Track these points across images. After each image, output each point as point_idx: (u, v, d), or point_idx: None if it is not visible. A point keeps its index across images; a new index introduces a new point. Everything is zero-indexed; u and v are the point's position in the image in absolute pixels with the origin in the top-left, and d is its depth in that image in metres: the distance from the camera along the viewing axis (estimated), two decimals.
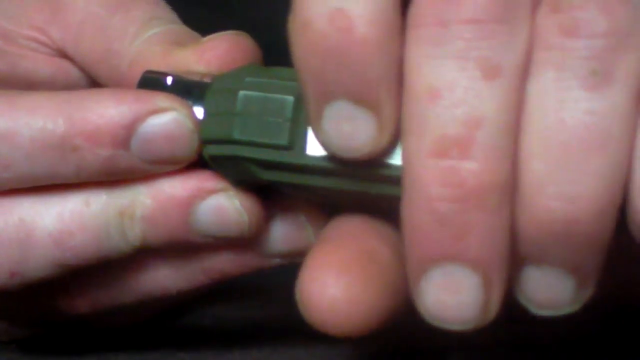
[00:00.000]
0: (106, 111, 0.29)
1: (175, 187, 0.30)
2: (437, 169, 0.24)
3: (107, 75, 0.32)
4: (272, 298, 0.41)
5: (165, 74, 0.30)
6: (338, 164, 0.27)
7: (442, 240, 0.25)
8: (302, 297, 0.26)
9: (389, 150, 0.27)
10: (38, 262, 0.30)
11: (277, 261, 0.32)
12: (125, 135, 0.29)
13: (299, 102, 0.27)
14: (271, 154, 0.28)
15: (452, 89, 0.24)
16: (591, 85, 0.24)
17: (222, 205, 0.30)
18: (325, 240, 0.28)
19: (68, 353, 0.34)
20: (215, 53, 0.31)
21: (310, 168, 0.28)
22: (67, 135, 0.29)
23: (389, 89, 0.25)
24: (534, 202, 0.25)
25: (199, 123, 0.29)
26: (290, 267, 0.48)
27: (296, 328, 0.37)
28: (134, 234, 0.30)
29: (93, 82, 0.34)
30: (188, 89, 0.30)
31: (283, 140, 0.28)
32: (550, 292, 0.26)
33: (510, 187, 0.25)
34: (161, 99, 0.29)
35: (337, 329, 0.26)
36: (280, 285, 0.46)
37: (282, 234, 0.31)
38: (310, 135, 0.27)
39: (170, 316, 0.39)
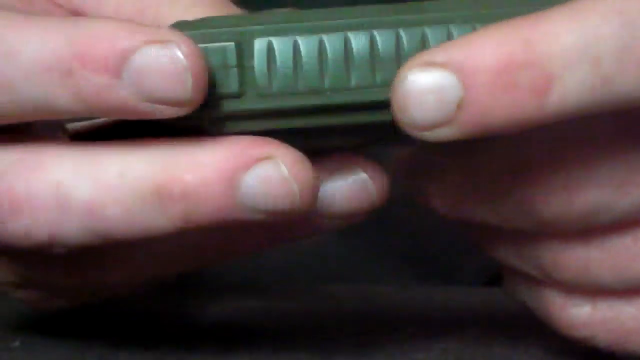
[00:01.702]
0: (101, 35, 0.28)
1: (215, 159, 0.28)
2: None
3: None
4: (272, 297, 0.41)
5: None
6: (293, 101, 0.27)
7: None
8: None
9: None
10: (74, 228, 0.29)
11: (338, 223, 0.30)
12: (118, 62, 0.27)
13: (242, 46, 0.27)
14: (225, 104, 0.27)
15: None
16: None
17: (268, 174, 0.28)
18: None
19: (69, 352, 0.35)
20: None
21: (269, 111, 0.27)
22: (64, 58, 0.28)
23: None
24: None
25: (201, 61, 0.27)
26: (289, 267, 0.49)
27: (296, 328, 0.37)
28: (174, 214, 0.28)
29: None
30: None
31: (234, 88, 0.27)
32: None
33: None
34: (163, 32, 0.28)
35: None
36: (279, 284, 0.47)
37: (344, 194, 0.30)
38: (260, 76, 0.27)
39: (169, 316, 0.39)
